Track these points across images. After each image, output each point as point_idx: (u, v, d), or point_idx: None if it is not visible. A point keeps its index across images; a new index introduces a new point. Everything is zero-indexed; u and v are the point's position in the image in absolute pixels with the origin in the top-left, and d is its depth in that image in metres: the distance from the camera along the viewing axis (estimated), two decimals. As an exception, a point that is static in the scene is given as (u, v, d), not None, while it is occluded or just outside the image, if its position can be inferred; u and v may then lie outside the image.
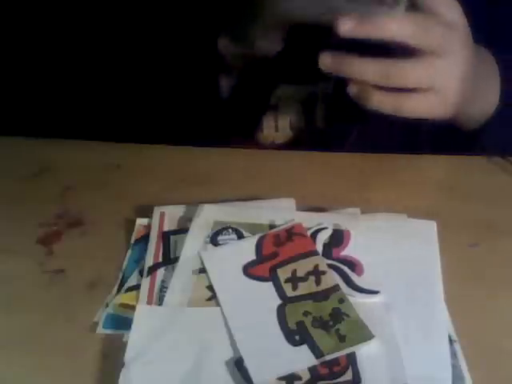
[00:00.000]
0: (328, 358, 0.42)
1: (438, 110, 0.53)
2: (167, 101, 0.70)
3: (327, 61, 0.52)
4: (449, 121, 0.56)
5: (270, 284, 0.48)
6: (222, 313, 0.46)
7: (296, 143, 0.71)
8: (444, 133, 0.60)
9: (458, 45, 0.52)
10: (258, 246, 0.51)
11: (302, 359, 0.43)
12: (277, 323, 0.45)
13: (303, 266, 0.49)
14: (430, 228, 0.52)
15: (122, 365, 0.42)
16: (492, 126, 0.59)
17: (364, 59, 0.51)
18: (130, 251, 0.53)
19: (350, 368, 0.42)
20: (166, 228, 0.54)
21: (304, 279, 0.48)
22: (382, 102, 0.52)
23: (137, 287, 0.49)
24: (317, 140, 0.69)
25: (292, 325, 0.45)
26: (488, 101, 0.59)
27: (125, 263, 0.52)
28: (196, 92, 0.67)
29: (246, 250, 0.50)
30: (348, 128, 0.67)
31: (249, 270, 0.49)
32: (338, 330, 0.44)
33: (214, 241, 0.51)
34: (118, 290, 0.49)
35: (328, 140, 0.67)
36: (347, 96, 0.55)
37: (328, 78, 0.65)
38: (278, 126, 0.71)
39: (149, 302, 0.47)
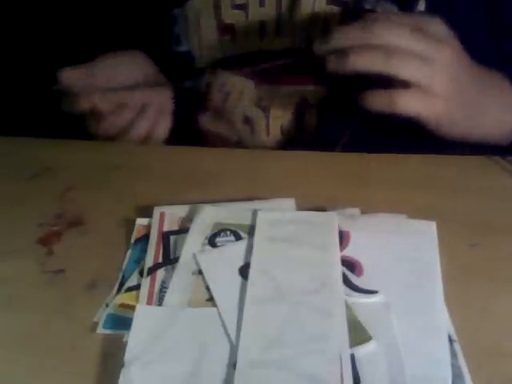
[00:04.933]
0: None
1: (427, 108, 0.56)
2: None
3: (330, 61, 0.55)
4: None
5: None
6: (219, 314, 0.46)
7: (286, 145, 0.72)
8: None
9: (448, 54, 0.55)
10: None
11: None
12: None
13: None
14: (429, 228, 0.52)
15: (122, 365, 0.42)
16: None
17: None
18: (130, 251, 0.53)
19: (350, 368, 0.42)
20: (165, 228, 0.54)
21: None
22: (375, 100, 0.55)
23: (137, 287, 0.49)
24: (308, 143, 0.69)
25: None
26: (494, 119, 0.62)
27: (125, 263, 0.52)
28: None
29: (242, 251, 0.50)
30: (339, 132, 0.67)
31: (245, 272, 0.49)
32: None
33: (211, 242, 0.51)
34: (118, 290, 0.49)
35: (319, 143, 0.67)
36: (339, 101, 0.56)
37: (320, 82, 0.66)
38: (269, 130, 0.71)
39: (149, 302, 0.47)
